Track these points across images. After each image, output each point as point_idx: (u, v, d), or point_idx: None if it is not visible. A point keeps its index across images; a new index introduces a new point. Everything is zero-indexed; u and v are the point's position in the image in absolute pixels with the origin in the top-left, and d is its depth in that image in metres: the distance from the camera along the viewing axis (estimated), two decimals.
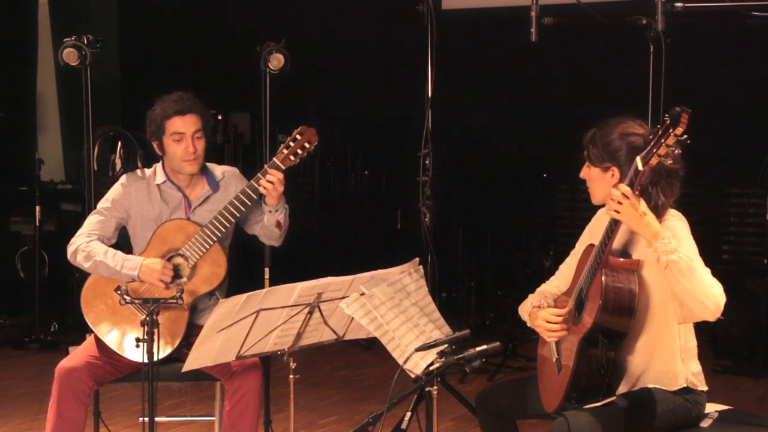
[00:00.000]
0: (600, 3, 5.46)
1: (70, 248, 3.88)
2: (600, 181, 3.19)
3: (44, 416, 3.76)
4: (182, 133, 3.83)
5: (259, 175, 3.81)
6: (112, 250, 3.84)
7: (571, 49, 7.36)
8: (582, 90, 7.78)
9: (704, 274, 2.91)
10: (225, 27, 9.45)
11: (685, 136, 2.76)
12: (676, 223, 3.04)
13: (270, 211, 3.88)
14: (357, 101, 8.54)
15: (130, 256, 3.84)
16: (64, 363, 3.72)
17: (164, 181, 3.94)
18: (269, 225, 3.91)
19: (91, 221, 3.93)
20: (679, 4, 4.59)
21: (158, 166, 3.98)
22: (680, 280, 2.87)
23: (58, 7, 8.59)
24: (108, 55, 7.65)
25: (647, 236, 2.93)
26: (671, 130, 2.76)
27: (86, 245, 3.84)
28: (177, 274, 3.79)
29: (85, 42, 4.99)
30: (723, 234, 7.67)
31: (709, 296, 2.88)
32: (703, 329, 3.19)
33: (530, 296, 3.45)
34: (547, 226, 8.08)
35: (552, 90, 8.02)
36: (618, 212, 2.94)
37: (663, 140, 2.78)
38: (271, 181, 3.78)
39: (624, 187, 2.92)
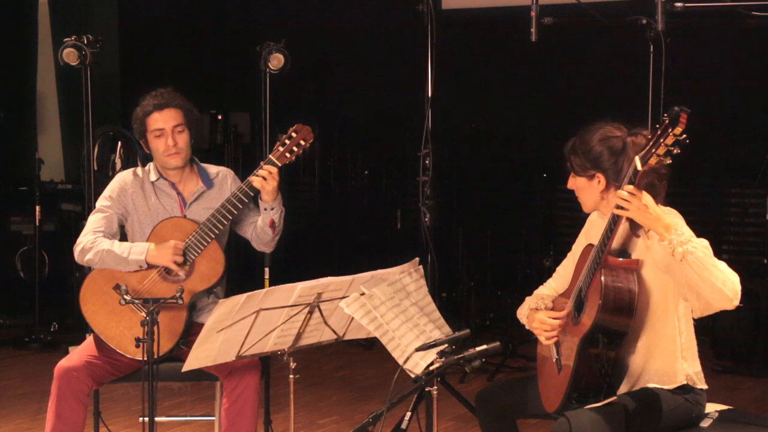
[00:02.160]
0: (600, 3, 5.46)
1: (77, 248, 3.88)
2: (587, 190, 3.19)
3: (44, 416, 3.76)
4: (162, 129, 3.87)
5: (254, 172, 3.82)
6: (118, 241, 3.87)
7: (571, 49, 7.36)
8: (582, 90, 7.77)
9: (719, 262, 2.90)
10: (225, 27, 9.44)
11: (684, 135, 2.76)
12: (674, 219, 3.04)
13: (266, 209, 3.89)
14: (357, 101, 8.55)
15: (136, 242, 3.85)
16: (64, 363, 3.72)
17: (158, 179, 3.96)
18: (263, 225, 3.91)
19: (94, 219, 3.94)
20: (679, 4, 4.59)
21: (152, 164, 4.01)
22: (697, 270, 2.86)
23: (58, 7, 8.59)
24: (108, 55, 7.65)
25: (659, 230, 2.92)
26: (670, 130, 2.75)
27: (92, 242, 3.85)
28: (186, 257, 3.79)
29: (85, 42, 5.00)
30: (723, 234, 7.67)
31: (728, 283, 2.87)
32: (703, 329, 3.19)
33: (527, 299, 3.45)
34: (547, 226, 8.07)
35: (552, 90, 8.01)
36: (627, 210, 2.93)
37: (662, 140, 2.78)
38: (264, 176, 3.79)
39: (629, 186, 2.91)
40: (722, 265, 2.90)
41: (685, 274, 2.89)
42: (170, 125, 3.87)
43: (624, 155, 3.08)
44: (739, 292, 2.90)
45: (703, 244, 2.90)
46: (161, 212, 3.92)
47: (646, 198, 2.93)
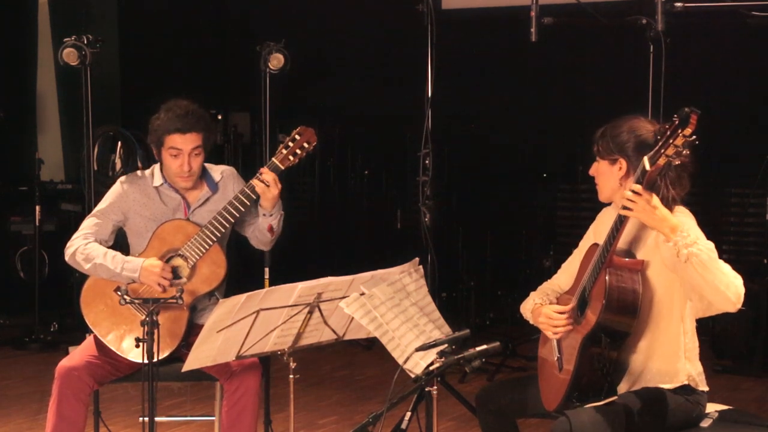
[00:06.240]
0: (600, 3, 5.46)
1: (68, 251, 3.88)
2: (608, 175, 3.18)
3: (44, 416, 3.76)
4: (180, 150, 3.82)
5: (257, 175, 3.81)
6: (111, 252, 3.84)
7: (571, 49, 7.36)
8: (582, 90, 7.78)
9: (723, 265, 2.90)
10: (225, 27, 9.45)
11: (694, 137, 2.76)
12: (685, 219, 3.03)
13: (264, 215, 3.88)
14: (357, 101, 8.54)
15: (129, 257, 3.83)
16: (65, 362, 3.71)
17: (162, 184, 3.94)
18: (262, 228, 3.91)
19: (88, 224, 3.93)
20: (679, 4, 4.59)
21: (156, 167, 3.98)
22: (701, 272, 2.86)
23: (58, 7, 8.59)
24: (108, 55, 7.65)
25: (665, 231, 2.92)
26: (680, 131, 2.75)
27: (84, 247, 3.84)
28: (176, 275, 3.79)
29: (85, 42, 4.99)
30: (723, 234, 7.67)
31: (731, 286, 2.88)
32: (703, 329, 3.19)
33: (532, 294, 3.45)
34: (547, 226, 8.08)
35: (552, 90, 8.02)
36: (632, 210, 2.93)
37: (671, 140, 2.77)
38: (266, 182, 3.77)
39: (635, 186, 2.91)
40: (726, 268, 2.90)
41: (689, 276, 2.89)
42: (189, 148, 3.82)
43: (649, 149, 3.08)
44: (742, 296, 2.90)
45: (709, 246, 2.90)
46: (164, 215, 3.90)
47: (654, 198, 2.93)
